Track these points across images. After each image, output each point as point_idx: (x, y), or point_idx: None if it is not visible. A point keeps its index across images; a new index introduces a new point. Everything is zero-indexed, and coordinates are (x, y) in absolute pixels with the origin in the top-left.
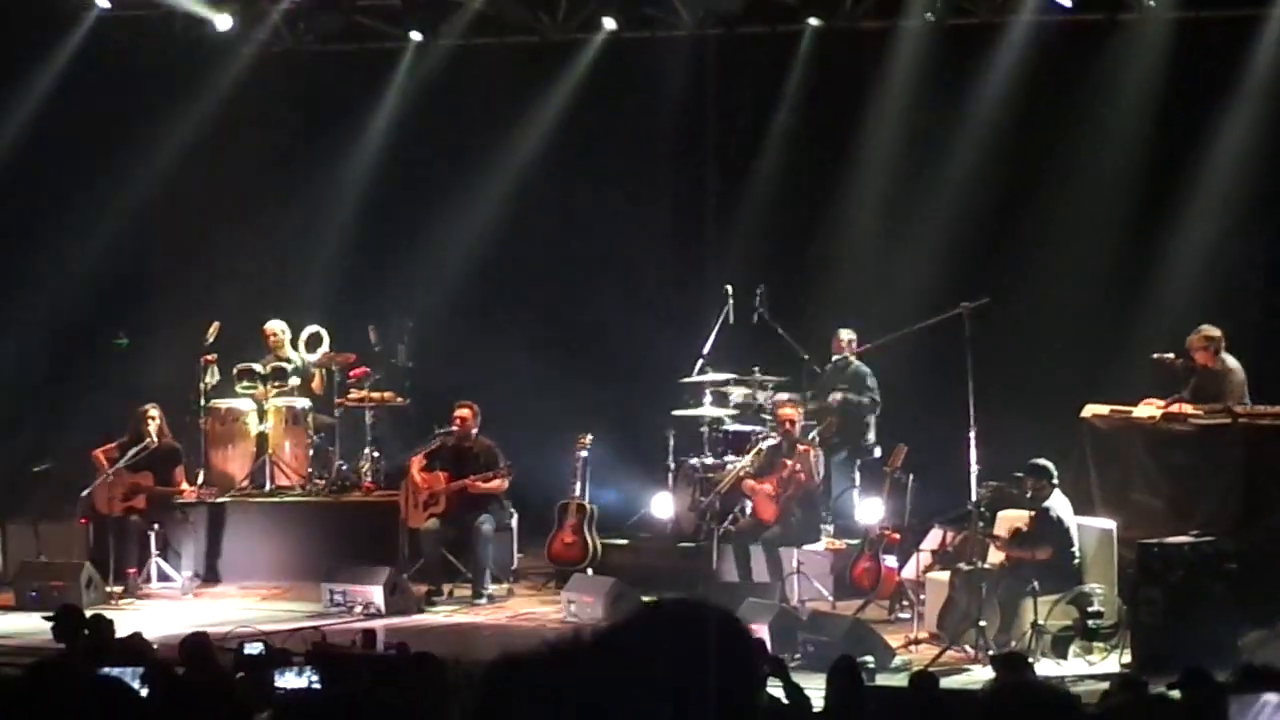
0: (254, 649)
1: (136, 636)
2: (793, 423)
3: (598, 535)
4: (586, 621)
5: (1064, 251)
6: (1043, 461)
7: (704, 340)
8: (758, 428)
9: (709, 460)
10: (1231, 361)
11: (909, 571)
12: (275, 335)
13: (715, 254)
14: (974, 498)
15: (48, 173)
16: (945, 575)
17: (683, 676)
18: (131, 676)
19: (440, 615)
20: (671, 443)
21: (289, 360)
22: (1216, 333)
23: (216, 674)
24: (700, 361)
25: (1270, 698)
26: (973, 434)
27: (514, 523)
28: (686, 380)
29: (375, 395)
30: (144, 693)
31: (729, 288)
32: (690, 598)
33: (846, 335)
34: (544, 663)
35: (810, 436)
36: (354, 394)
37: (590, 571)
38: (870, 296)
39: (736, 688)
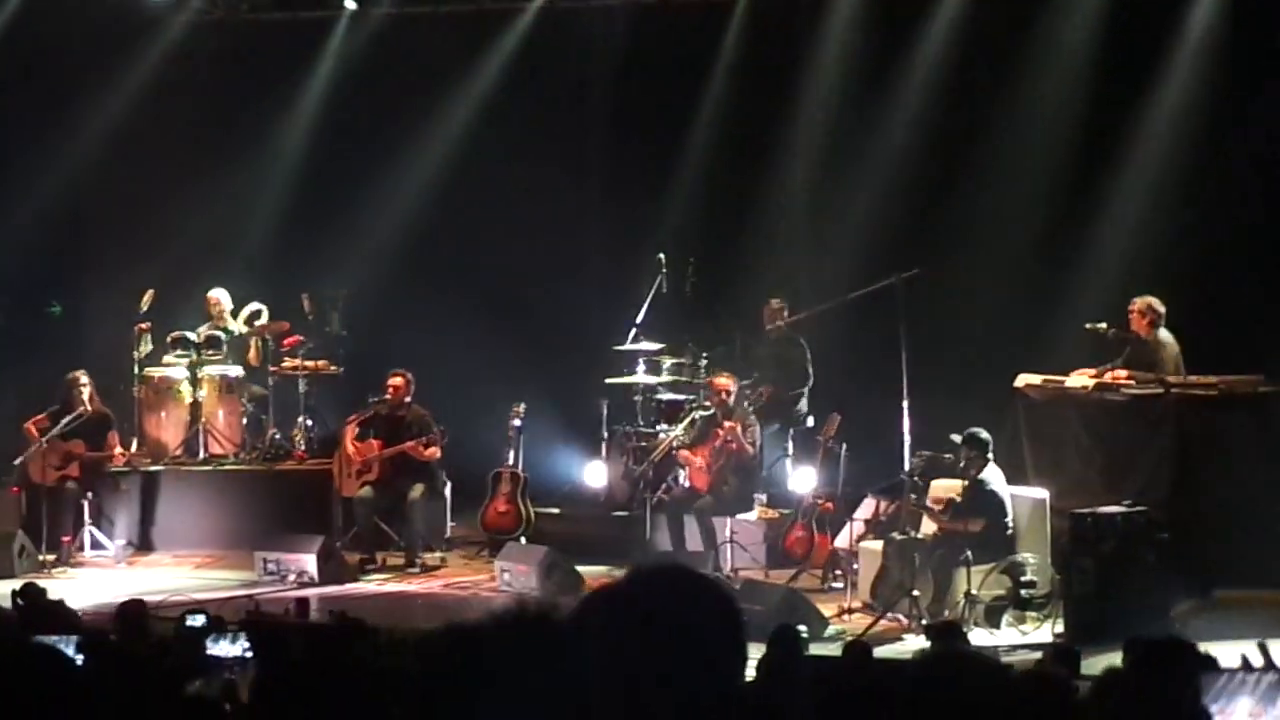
0: (195, 620)
1: (60, 604)
2: (728, 392)
3: (531, 504)
4: (521, 590)
5: (997, 221)
6: (981, 432)
7: (637, 309)
8: (690, 397)
9: (642, 429)
10: (1166, 336)
11: (842, 541)
12: (218, 304)
13: (648, 224)
14: (907, 467)
15: None
16: (878, 545)
17: (670, 645)
18: (65, 645)
19: (374, 584)
20: (605, 412)
21: (226, 329)
22: (1160, 307)
23: (149, 642)
24: (633, 330)
25: (1238, 675)
26: (906, 404)
27: (447, 491)
28: (620, 349)
29: (309, 364)
30: (79, 661)
31: (661, 257)
32: (673, 563)
33: (777, 304)
34: (497, 635)
35: (745, 406)
36: (287, 362)
37: (523, 540)
38: (803, 266)
39: (726, 657)
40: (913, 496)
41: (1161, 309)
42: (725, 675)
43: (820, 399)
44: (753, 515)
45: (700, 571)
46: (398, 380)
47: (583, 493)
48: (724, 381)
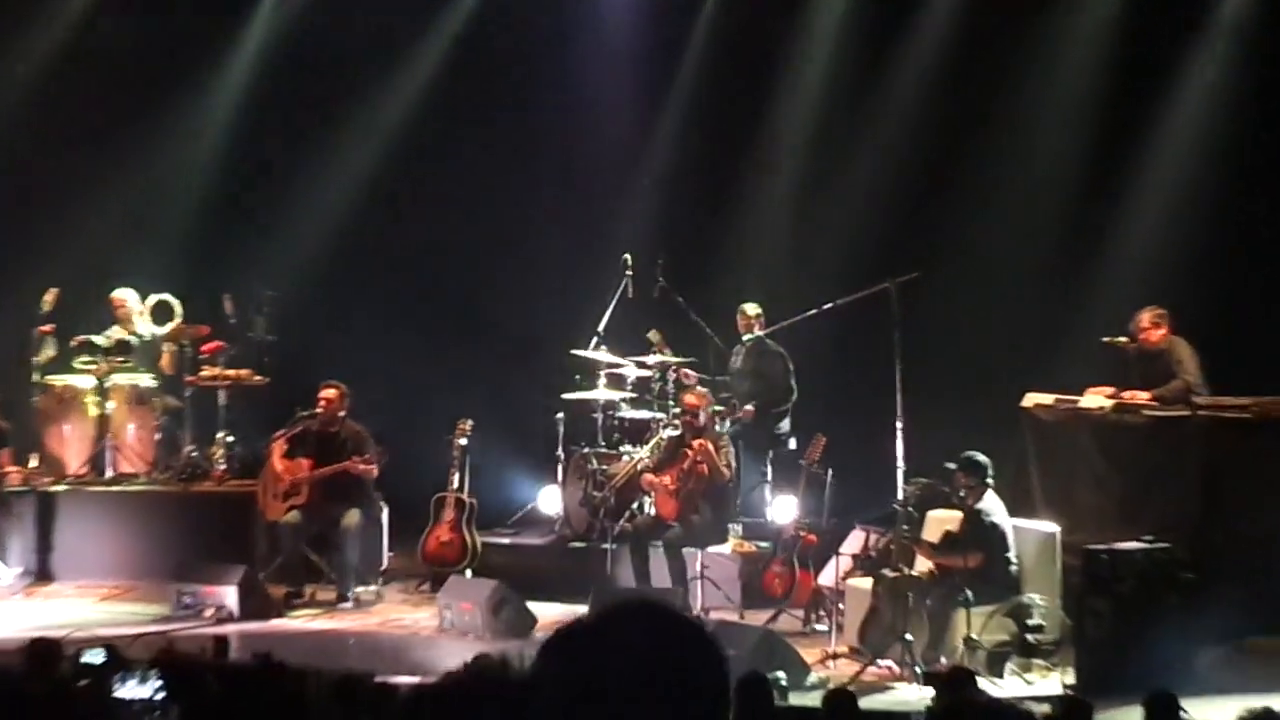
0: (95, 657)
1: None
2: (697, 410)
3: (478, 533)
4: (465, 629)
5: (1003, 221)
6: (978, 456)
7: (599, 315)
8: (658, 414)
9: (603, 450)
10: (1179, 340)
11: (827, 578)
12: (124, 305)
13: (611, 220)
14: (900, 496)
15: None
16: (867, 582)
17: (645, 693)
18: None
19: (301, 620)
20: (561, 430)
21: (136, 333)
22: (1163, 311)
23: (55, 682)
24: (595, 340)
25: None
26: (899, 424)
27: (384, 518)
28: (579, 358)
29: (230, 373)
30: None
31: (627, 257)
32: (644, 598)
33: (753, 310)
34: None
35: (722, 426)
36: (206, 371)
37: (469, 574)
38: (784, 268)
39: (708, 706)
40: (905, 529)
41: (1164, 312)
42: None
43: (804, 418)
44: (726, 548)
45: (675, 607)
46: (330, 393)
47: (536, 521)
48: (694, 398)
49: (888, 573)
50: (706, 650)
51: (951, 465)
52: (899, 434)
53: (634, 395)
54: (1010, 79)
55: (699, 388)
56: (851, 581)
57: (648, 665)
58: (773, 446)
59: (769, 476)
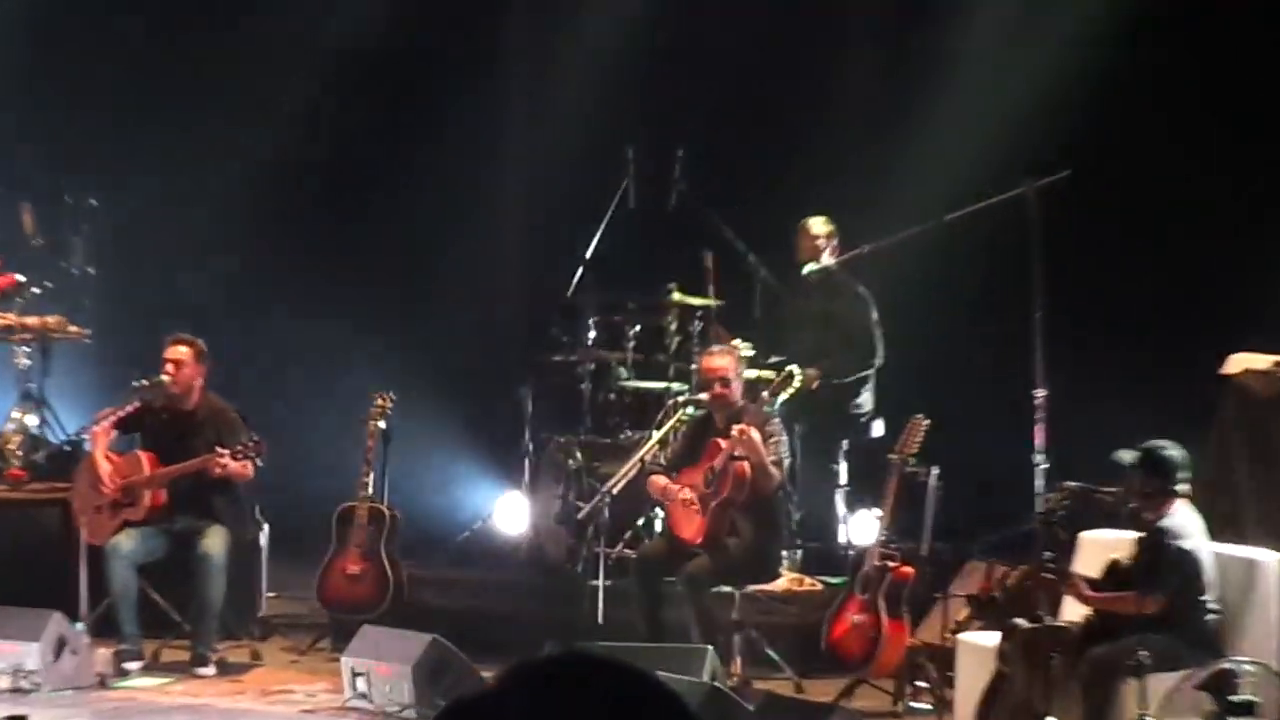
0: None
1: None
2: (726, 378)
3: (403, 562)
4: (382, 706)
5: (1195, 97)
6: (1167, 449)
7: (586, 238)
8: (676, 385)
9: (593, 439)
10: None
11: (929, 631)
12: None
13: (606, 103)
14: (1040, 508)
15: None
16: (992, 638)
17: None
18: None
19: (138, 690)
20: (529, 408)
21: None
22: None
23: None
24: (580, 271)
25: None
26: (1039, 401)
27: (264, 539)
28: (557, 301)
29: (32, 321)
30: None
31: (630, 152)
32: (586, 654)
33: (821, 227)
34: None
35: (771, 404)
36: None
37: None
38: (867, 169)
39: None
40: (1049, 557)
41: None
42: None
43: (894, 391)
44: (778, 585)
45: (631, 666)
46: (182, 352)
47: (491, 543)
48: (720, 362)
49: (1021, 623)
50: None
51: (1126, 457)
52: (1038, 415)
53: (638, 355)
54: None
55: (720, 345)
56: (966, 637)
57: None
58: (848, 433)
59: (842, 478)
